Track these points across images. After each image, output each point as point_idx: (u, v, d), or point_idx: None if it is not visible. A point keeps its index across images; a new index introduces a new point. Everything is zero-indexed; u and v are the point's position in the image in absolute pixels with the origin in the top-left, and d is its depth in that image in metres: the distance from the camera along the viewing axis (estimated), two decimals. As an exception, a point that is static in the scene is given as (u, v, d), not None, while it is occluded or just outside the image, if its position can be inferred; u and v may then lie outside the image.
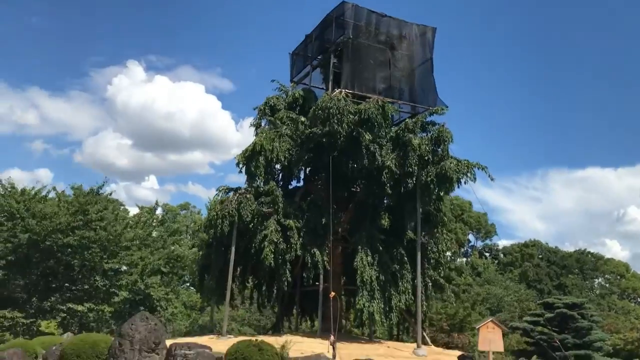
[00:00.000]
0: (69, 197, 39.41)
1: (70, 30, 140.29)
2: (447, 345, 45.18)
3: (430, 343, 29.71)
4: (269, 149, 27.01)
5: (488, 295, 66.36)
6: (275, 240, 25.77)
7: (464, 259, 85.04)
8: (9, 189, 38.19)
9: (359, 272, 25.58)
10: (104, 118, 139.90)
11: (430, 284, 28.70)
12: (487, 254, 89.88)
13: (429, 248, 29.16)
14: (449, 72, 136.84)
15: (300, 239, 26.78)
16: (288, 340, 20.30)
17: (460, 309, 50.73)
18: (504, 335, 46.37)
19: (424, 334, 29.87)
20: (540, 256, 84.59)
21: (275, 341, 21.52)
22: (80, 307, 38.10)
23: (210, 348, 19.32)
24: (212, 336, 26.39)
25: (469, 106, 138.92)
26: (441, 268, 30.07)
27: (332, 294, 23.11)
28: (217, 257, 27.54)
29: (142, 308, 45.61)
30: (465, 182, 26.67)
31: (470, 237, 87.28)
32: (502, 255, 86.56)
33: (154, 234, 49.18)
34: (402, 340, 30.34)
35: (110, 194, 39.77)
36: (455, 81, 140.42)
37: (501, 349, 18.47)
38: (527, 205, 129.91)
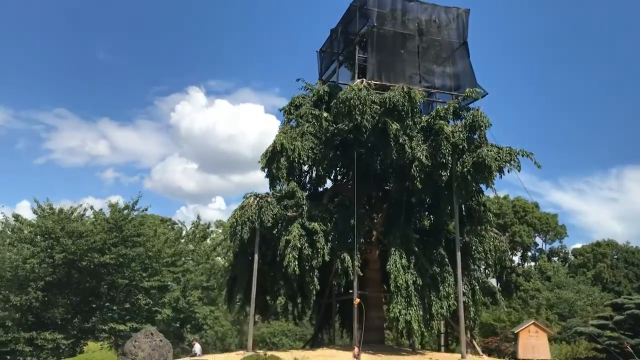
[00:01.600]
0: (106, 216, 38.80)
1: (134, 63, 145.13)
2: (514, 355, 41.90)
3: (481, 353, 26.81)
4: (290, 149, 25.15)
5: (558, 300, 61.98)
6: (300, 245, 23.75)
7: (532, 263, 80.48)
8: (48, 210, 37.92)
9: (392, 276, 23.23)
10: (169, 144, 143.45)
11: (477, 287, 25.90)
12: (556, 257, 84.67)
13: (473, 248, 26.44)
14: (500, 62, 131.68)
15: (329, 244, 24.68)
16: (306, 356, 18.31)
17: (525, 315, 47.26)
18: (568, 342, 42.81)
19: (474, 343, 27.10)
20: (616, 257, 78.78)
21: (294, 355, 19.60)
22: (122, 327, 37.17)
23: (220, 364, 17.50)
24: (240, 352, 24.58)
25: (527, 104, 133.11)
26: (489, 270, 27.19)
27: (357, 300, 20.97)
28: (243, 268, 25.76)
29: (188, 326, 44.71)
30: (508, 171, 23.99)
31: (538, 240, 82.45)
32: (572, 257, 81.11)
33: (199, 249, 48.26)
34: (451, 351, 27.57)
35: (146, 209, 38.81)
36: (510, 74, 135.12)
37: (547, 356, 15.75)
38: (602, 206, 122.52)
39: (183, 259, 43.88)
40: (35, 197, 37.63)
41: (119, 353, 18.30)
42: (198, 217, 46.46)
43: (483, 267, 26.30)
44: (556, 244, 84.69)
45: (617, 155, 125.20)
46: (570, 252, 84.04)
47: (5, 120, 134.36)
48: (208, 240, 48.67)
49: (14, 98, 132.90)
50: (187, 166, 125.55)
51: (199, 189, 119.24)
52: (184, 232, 45.67)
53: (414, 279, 23.45)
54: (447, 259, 24.73)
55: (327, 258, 24.29)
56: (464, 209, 26.34)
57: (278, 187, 25.32)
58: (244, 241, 24.54)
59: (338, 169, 27.58)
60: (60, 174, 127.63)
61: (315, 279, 24.27)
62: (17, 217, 38.19)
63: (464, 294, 25.59)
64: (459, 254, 23.08)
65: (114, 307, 38.74)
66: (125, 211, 37.97)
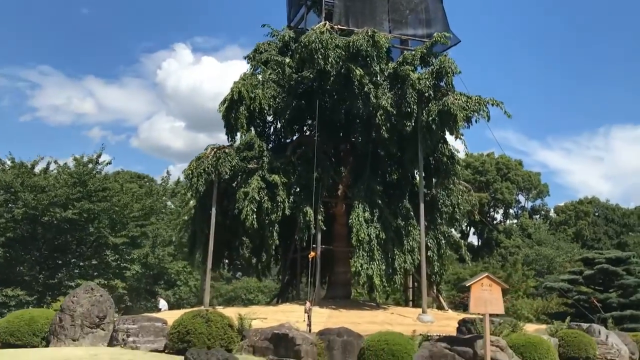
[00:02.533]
0: (70, 169, 37.40)
1: (119, 18, 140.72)
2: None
3: (446, 307, 26.24)
4: (249, 97, 23.81)
5: (537, 257, 61.91)
6: (259, 198, 22.68)
7: (514, 221, 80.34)
8: (10, 164, 36.52)
9: (354, 230, 22.31)
10: (156, 102, 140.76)
11: (443, 241, 25.06)
12: (538, 215, 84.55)
13: (440, 201, 25.51)
14: (487, 18, 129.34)
15: (291, 197, 23.64)
16: (253, 312, 17.44)
17: (501, 270, 46.94)
18: (544, 297, 42.60)
19: (441, 297, 26.49)
20: (597, 214, 78.66)
21: (244, 311, 18.77)
22: (89, 283, 36.23)
23: (165, 322, 16.56)
24: (199, 308, 23.72)
25: (517, 62, 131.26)
26: (456, 224, 26.35)
27: (312, 254, 20.11)
28: (203, 222, 24.69)
29: (160, 282, 44.00)
30: (476, 121, 22.86)
31: (521, 197, 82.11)
32: (554, 215, 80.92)
33: (171, 206, 47.22)
34: (418, 306, 26.88)
35: (109, 162, 37.49)
36: (498, 30, 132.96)
37: (501, 310, 14.89)
38: (588, 165, 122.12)
39: (154, 215, 42.85)
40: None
41: (59, 309, 17.27)
42: (167, 173, 45.21)
43: (447, 219, 25.29)
44: (538, 202, 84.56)
45: (605, 114, 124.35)
46: (552, 210, 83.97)
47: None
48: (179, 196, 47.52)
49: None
50: (175, 124, 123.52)
51: (187, 147, 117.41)
52: (153, 188, 44.41)
53: (377, 232, 22.55)
54: (412, 213, 23.83)
55: (287, 212, 23.32)
56: (432, 161, 25.32)
57: (237, 138, 24.05)
58: (201, 194, 23.45)
59: (303, 119, 26.32)
60: (45, 132, 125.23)
61: (275, 233, 23.34)
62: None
63: (429, 248, 24.81)
64: (422, 206, 22.14)
65: (81, 264, 37.84)
66: (90, 165, 36.63)
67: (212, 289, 47.74)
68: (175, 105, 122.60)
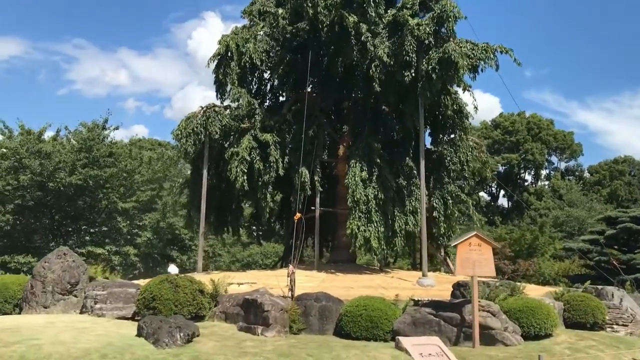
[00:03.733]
0: (82, 134, 36.80)
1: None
2: (513, 274, 40.17)
3: (453, 271, 24.79)
4: (239, 52, 22.44)
5: (568, 219, 59.59)
6: (249, 159, 21.52)
7: (545, 182, 77.67)
8: (19, 130, 36.10)
9: (350, 190, 20.98)
10: (188, 72, 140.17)
11: (450, 201, 23.54)
12: (571, 176, 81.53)
13: (448, 158, 23.90)
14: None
15: (286, 157, 22.40)
16: (244, 277, 16.43)
17: (527, 232, 45.10)
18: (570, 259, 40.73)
19: (448, 260, 25.10)
20: (632, 173, 75.39)
21: (233, 277, 17.90)
22: (100, 250, 36.00)
23: (139, 287, 15.66)
24: (199, 274, 22.94)
25: (552, 17, 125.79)
26: (465, 183, 24.76)
27: (297, 215, 18.91)
28: (196, 186, 23.67)
29: (174, 248, 43.55)
30: (482, 70, 21.10)
31: (554, 159, 79.27)
32: (588, 175, 77.86)
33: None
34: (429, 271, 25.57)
35: (117, 127, 36.72)
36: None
37: (491, 272, 13.48)
38: (630, 126, 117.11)
39: (168, 181, 42.26)
40: (2, 119, 35.80)
41: (31, 275, 16.57)
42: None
43: (454, 177, 23.71)
44: (572, 163, 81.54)
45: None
46: (586, 170, 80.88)
47: (24, 51, 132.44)
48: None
49: (31, 29, 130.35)
50: (206, 94, 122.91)
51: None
52: (165, 154, 43.71)
53: (376, 193, 21.19)
54: (415, 171, 22.32)
55: (281, 172, 22.10)
56: (439, 116, 23.72)
57: (227, 96, 22.77)
58: (192, 155, 22.41)
59: (299, 76, 24.86)
60: (83, 105, 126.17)
61: (268, 195, 22.22)
62: (-11, 139, 36.46)
63: (434, 208, 23.40)
64: (422, 163, 20.62)
65: (92, 230, 37.49)
66: (96, 131, 35.94)
67: (227, 254, 47.51)
68: (206, 74, 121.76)
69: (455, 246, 13.21)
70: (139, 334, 11.65)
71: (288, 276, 16.42)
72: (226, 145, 22.97)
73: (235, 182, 21.16)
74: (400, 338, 12.37)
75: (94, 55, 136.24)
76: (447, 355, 11.91)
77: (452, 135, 23.90)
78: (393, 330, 13.28)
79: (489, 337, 13.28)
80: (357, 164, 21.41)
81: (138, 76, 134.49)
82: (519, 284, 16.32)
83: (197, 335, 11.92)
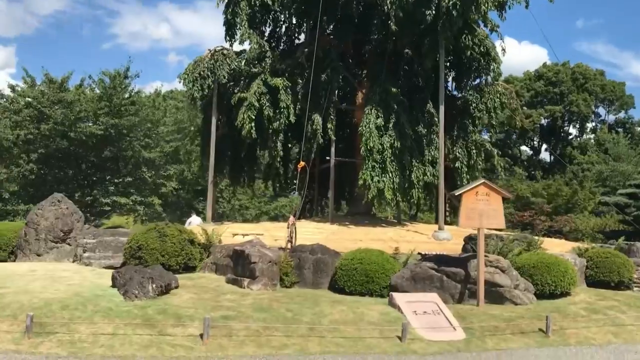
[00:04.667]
0: (106, 83, 36.31)
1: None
2: (549, 230, 38.62)
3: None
4: (250, -11, 21.12)
5: (612, 173, 56.86)
6: (258, 105, 20.44)
7: (591, 136, 74.28)
8: (45, 79, 35.83)
9: (363, 138, 19.75)
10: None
11: (474, 151, 22.08)
12: (621, 129, 77.64)
13: (473, 105, 22.30)
14: None
15: (299, 104, 21.24)
16: (242, 227, 15.63)
17: (565, 187, 43.17)
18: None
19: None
20: (687, 127, 71.24)
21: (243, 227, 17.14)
22: (124, 200, 35.90)
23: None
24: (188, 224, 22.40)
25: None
26: (492, 131, 23.18)
27: (301, 164, 17.83)
28: (207, 133, 22.79)
29: (200, 199, 43.24)
30: (509, 7, 19.32)
31: (601, 110, 75.46)
32: (638, 128, 74.01)
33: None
34: (450, 224, 24.33)
35: (137, 75, 36.02)
36: None
37: (500, 224, 12.21)
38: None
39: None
40: (25, 67, 35.50)
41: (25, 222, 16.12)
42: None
43: (480, 126, 22.17)
44: (622, 115, 77.55)
45: None
46: (636, 123, 76.87)
47: (67, 5, 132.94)
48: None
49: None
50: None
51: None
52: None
53: (392, 141, 19.91)
54: (437, 119, 20.84)
55: (292, 119, 20.99)
56: (464, 59, 22.02)
57: (236, 38, 21.55)
58: (197, 100, 21.48)
59: (315, 17, 23.38)
60: (125, 59, 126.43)
61: (279, 143, 21.20)
62: (12, 87, 36.28)
63: (457, 158, 22.01)
64: (441, 109, 19.15)
65: (116, 181, 37.35)
66: (117, 79, 35.33)
67: (254, 206, 47.06)
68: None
69: (460, 196, 11.97)
70: (113, 285, 10.96)
71: (288, 227, 15.54)
72: (236, 91, 21.87)
73: (241, 129, 20.12)
74: (394, 294, 11.35)
75: (135, 10, 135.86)
76: (444, 313, 10.86)
77: (478, 80, 22.24)
78: (390, 285, 12.27)
79: (496, 295, 12.15)
80: (373, 110, 20.11)
81: (179, 30, 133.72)
82: (536, 237, 14.99)
83: (175, 287, 11.17)
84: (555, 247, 18.34)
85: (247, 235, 18.47)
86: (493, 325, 10.61)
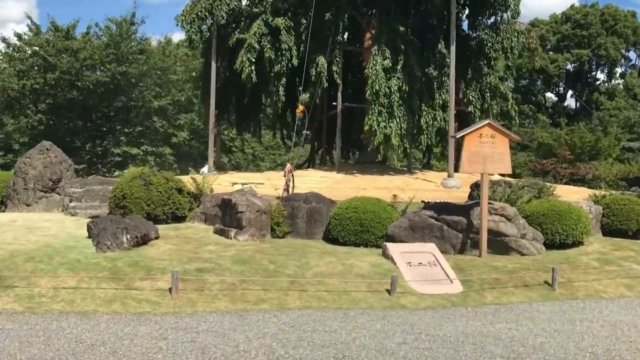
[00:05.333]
0: (112, 30, 35.32)
1: None
2: (571, 178, 37.40)
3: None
4: None
5: (641, 119, 54.81)
6: (259, 46, 19.39)
7: (619, 81, 71.48)
8: (51, 27, 34.97)
9: (369, 81, 18.67)
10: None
11: (489, 94, 20.86)
12: (650, 73, 74.49)
13: (488, 45, 20.94)
14: None
15: (302, 45, 20.12)
16: (215, 176, 14.86)
17: (588, 133, 41.58)
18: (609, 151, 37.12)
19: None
20: None
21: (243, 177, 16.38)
22: (135, 150, 35.43)
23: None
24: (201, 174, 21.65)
25: None
26: (508, 73, 21.87)
27: (300, 108, 16.88)
28: (208, 78, 21.88)
29: (214, 149, 42.55)
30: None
31: (632, 55, 72.28)
32: (670, 72, 70.89)
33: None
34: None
35: (143, 21, 34.98)
36: None
37: (506, 170, 11.23)
38: None
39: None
40: (28, 14, 34.59)
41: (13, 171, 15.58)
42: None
43: (495, 67, 20.84)
44: (654, 59, 74.20)
45: None
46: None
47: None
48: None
49: None
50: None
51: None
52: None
53: (400, 84, 18.80)
54: (449, 60, 19.59)
55: (295, 62, 19.93)
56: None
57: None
58: (195, 43, 20.52)
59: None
60: (145, 10, 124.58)
61: (280, 88, 20.20)
62: (19, 35, 35.52)
63: (470, 102, 20.82)
64: (452, 48, 17.99)
65: (127, 130, 36.79)
66: (124, 26, 34.32)
67: (269, 158, 46.33)
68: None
69: (463, 138, 10.99)
70: (89, 236, 10.32)
71: (284, 175, 14.76)
72: (236, 33, 20.80)
73: (241, 73, 19.17)
74: (388, 244, 10.56)
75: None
76: (441, 264, 10.06)
77: (494, 18, 20.80)
78: (387, 235, 11.48)
79: (501, 245, 11.30)
80: (380, 52, 18.95)
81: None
82: (548, 184, 13.98)
83: (156, 238, 10.51)
84: (573, 194, 17.33)
85: (246, 184, 17.76)
86: (494, 277, 9.80)
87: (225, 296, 8.23)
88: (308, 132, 25.93)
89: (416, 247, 10.58)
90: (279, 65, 19.68)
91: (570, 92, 70.51)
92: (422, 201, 14.09)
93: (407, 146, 19.36)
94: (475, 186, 13.77)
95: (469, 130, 11.00)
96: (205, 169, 30.16)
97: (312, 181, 18.44)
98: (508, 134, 11.16)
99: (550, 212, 12.01)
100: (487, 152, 10.93)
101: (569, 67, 67.23)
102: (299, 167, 28.40)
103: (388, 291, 8.90)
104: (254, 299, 8.26)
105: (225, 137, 41.94)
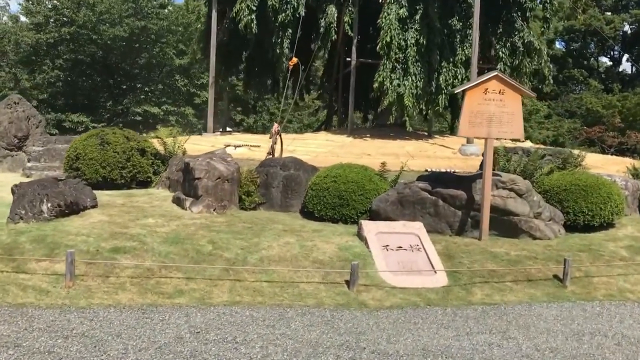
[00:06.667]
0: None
1: None
2: (619, 149, 34.48)
3: (522, 139, 20.17)
4: None
5: None
6: (262, -6, 17.42)
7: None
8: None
9: (381, 33, 16.53)
10: None
11: (521, 49, 18.38)
12: None
13: (522, -9, 18.41)
14: None
15: (311, -6, 18.09)
16: (184, 138, 13.13)
17: (635, 97, 38.33)
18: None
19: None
20: None
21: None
22: (155, 110, 34.24)
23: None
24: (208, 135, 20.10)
25: None
26: (546, 26, 19.29)
27: (293, 60, 14.92)
28: (210, 28, 20.07)
29: (238, 109, 41.07)
30: None
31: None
32: None
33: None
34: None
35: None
36: None
37: (517, 134, 9.14)
38: None
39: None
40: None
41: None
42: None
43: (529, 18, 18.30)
44: None
45: None
46: None
47: None
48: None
49: None
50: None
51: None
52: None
53: (417, 37, 16.60)
54: (474, 10, 17.19)
55: (302, 11, 17.88)
56: None
57: None
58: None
59: None
60: None
61: (285, 41, 18.20)
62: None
63: (500, 58, 18.45)
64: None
65: (147, 89, 35.54)
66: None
67: (296, 119, 44.43)
68: None
69: (463, 93, 8.93)
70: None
71: (270, 137, 12.96)
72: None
73: (239, 22, 17.29)
74: (364, 222, 8.69)
75: None
76: (426, 249, 8.17)
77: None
78: (371, 210, 9.61)
79: (509, 226, 9.31)
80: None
81: None
82: (576, 152, 11.74)
83: (92, 207, 8.92)
84: (611, 165, 15.03)
85: (240, 146, 16.16)
86: (489, 269, 7.86)
87: (134, 285, 6.58)
88: (317, 93, 23.95)
89: (398, 226, 8.69)
90: (284, 15, 17.67)
91: (626, 56, 65.85)
92: (426, 170, 12.13)
93: (423, 107, 17.21)
94: (488, 154, 11.63)
95: (471, 84, 8.92)
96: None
97: (314, 145, 16.64)
98: (521, 89, 9.03)
99: (574, 188, 9.90)
100: (494, 111, 8.86)
101: (627, 28, 62.55)
102: (316, 129, 26.55)
103: (347, 283, 7.09)
104: (170, 290, 6.59)
105: (249, 97, 40.26)
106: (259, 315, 6.17)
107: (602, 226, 9.89)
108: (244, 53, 21.98)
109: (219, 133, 20.59)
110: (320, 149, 15.71)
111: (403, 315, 6.49)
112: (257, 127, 40.62)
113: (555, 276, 7.82)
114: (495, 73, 8.88)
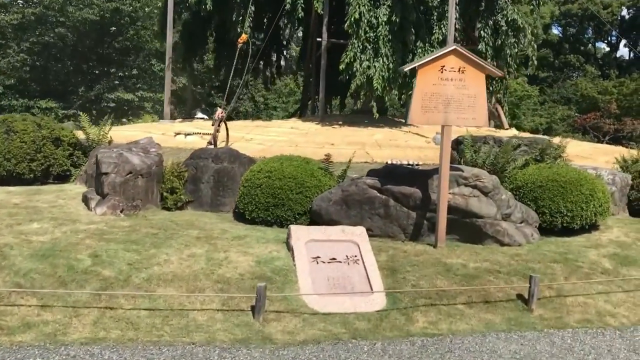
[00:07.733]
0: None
1: None
2: (615, 136, 33.11)
3: (506, 126, 18.71)
4: None
5: None
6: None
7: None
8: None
9: (349, 11, 14.96)
10: None
11: (504, 28, 16.80)
12: None
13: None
14: None
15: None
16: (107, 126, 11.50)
17: (632, 83, 36.90)
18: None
19: (500, 112, 18.87)
20: None
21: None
22: (129, 96, 32.64)
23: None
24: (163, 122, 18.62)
25: None
26: (535, 3, 17.70)
27: (243, 37, 13.40)
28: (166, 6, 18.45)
29: (219, 95, 39.42)
30: None
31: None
32: None
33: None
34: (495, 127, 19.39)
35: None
36: None
37: (480, 122, 7.61)
38: None
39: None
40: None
41: None
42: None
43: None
44: None
45: None
46: None
47: None
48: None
49: None
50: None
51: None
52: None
53: (389, 14, 15.00)
54: (454, -15, 15.61)
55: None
56: None
57: None
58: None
59: None
60: None
61: (245, 20, 16.61)
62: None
63: (482, 38, 16.88)
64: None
65: (121, 74, 33.88)
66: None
67: (280, 106, 42.88)
68: None
69: (415, 72, 7.41)
70: None
71: (213, 124, 11.44)
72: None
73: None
74: (293, 227, 7.19)
75: None
76: (364, 262, 6.69)
77: None
78: (311, 211, 8.13)
79: (472, 230, 7.84)
80: (365, -27, 15.09)
81: None
82: (557, 140, 10.21)
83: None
84: (600, 155, 13.55)
85: (190, 134, 14.64)
86: (439, 287, 6.38)
87: (-32, 317, 5.09)
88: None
89: (335, 232, 7.19)
90: (246, -11, 16.09)
91: (623, 42, 64.16)
92: (387, 163, 10.64)
93: (396, 91, 15.68)
94: (457, 143, 10.15)
95: (423, 61, 7.39)
96: (199, 115, 27.22)
97: (275, 132, 15.14)
98: (485, 66, 7.50)
99: (551, 184, 8.42)
100: (452, 94, 7.34)
101: (624, 13, 60.85)
102: (290, 116, 25.03)
103: (253, 310, 5.61)
104: (14, 323, 5.11)
105: (233, 82, 38.60)
106: (122, 358, 4.69)
107: (583, 229, 8.44)
108: (207, 34, 20.48)
109: (179, 120, 19.06)
110: (281, 138, 14.20)
111: (316, 354, 5.02)
112: (237, 114, 39.07)
113: (520, 296, 6.36)
114: (454, 47, 7.35)
